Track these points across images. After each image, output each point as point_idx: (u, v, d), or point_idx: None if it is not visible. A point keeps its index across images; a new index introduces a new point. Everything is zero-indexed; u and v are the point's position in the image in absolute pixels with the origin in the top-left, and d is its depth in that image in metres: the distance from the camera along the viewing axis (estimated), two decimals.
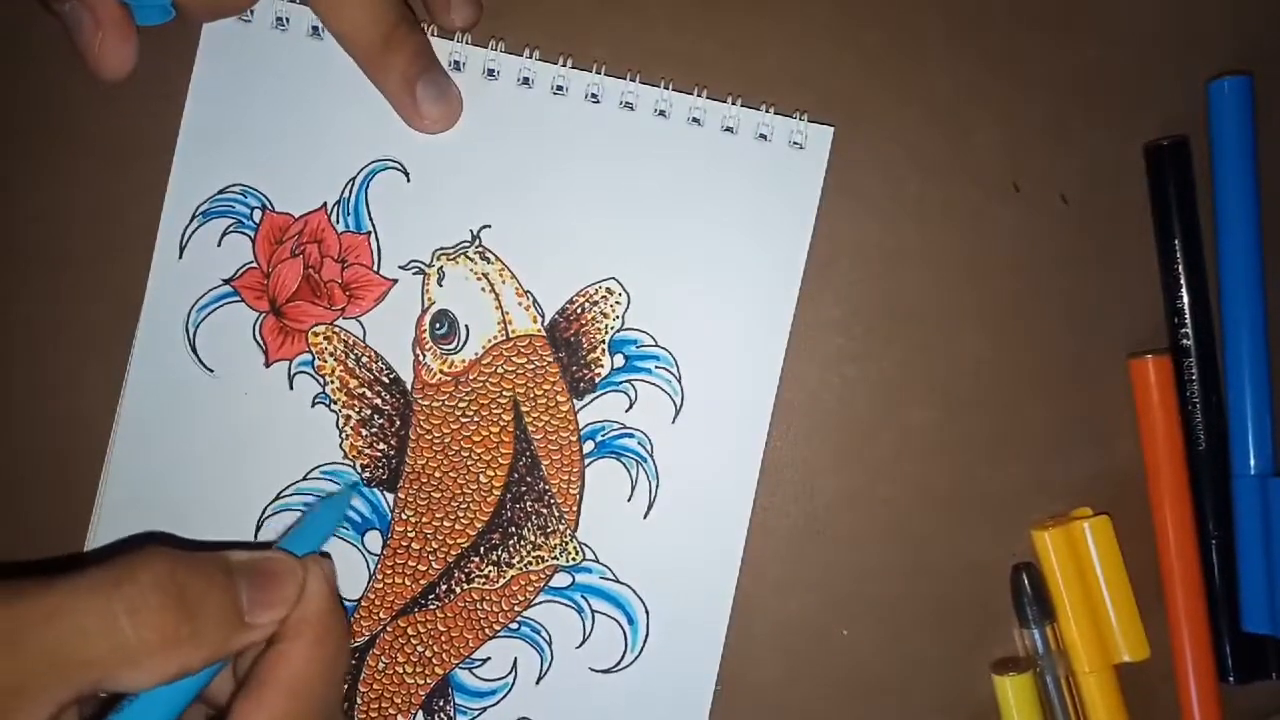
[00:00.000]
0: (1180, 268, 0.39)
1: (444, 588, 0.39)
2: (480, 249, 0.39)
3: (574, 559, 0.39)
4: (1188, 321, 0.39)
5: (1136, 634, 0.39)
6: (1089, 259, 0.40)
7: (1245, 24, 0.40)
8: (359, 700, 0.39)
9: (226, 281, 0.39)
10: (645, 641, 0.39)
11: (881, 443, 0.40)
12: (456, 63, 0.39)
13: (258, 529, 0.38)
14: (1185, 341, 0.39)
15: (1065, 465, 0.40)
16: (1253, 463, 0.38)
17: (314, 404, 0.39)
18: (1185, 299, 0.39)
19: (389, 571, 0.39)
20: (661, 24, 0.40)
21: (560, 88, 0.39)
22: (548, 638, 0.39)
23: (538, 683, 0.39)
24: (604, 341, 0.39)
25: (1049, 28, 0.40)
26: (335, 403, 0.39)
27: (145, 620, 0.28)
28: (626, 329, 0.39)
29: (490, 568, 0.39)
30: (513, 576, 0.39)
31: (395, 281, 0.39)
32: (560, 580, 0.39)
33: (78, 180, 0.39)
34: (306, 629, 0.31)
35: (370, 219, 0.39)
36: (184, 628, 0.28)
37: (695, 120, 0.39)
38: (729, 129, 0.39)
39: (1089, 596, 0.39)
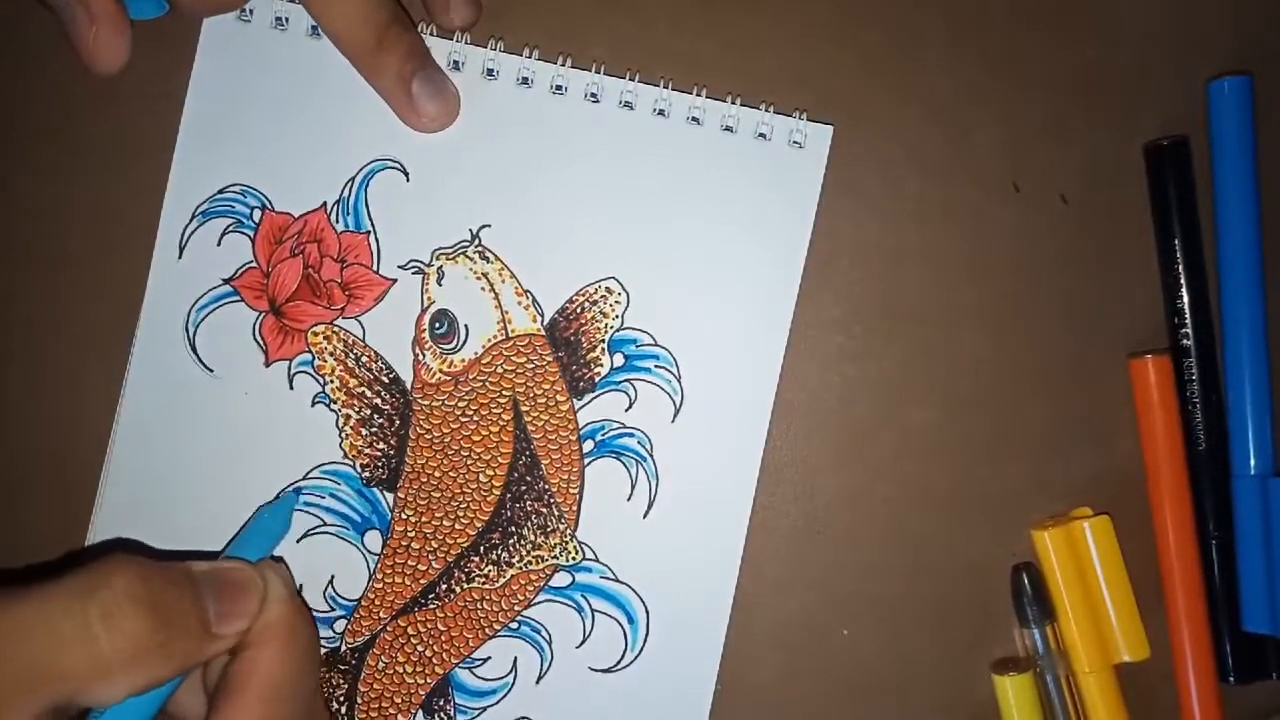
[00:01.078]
0: (1180, 268, 0.39)
1: (444, 587, 0.39)
2: (480, 248, 0.39)
3: (574, 558, 0.39)
4: (1188, 321, 0.39)
5: (1136, 634, 0.39)
6: (1089, 259, 0.40)
7: (1245, 24, 0.40)
8: (359, 700, 0.39)
9: (226, 281, 0.39)
10: (645, 641, 0.39)
11: (881, 443, 0.40)
12: (456, 63, 0.39)
13: None
14: (1185, 341, 0.39)
15: (1065, 465, 0.40)
16: (1253, 463, 0.38)
17: (314, 404, 0.39)
18: (1185, 299, 0.39)
19: (389, 571, 0.39)
20: (661, 24, 0.40)
21: (559, 87, 0.39)
22: (548, 637, 0.39)
23: (538, 682, 0.39)
24: (603, 341, 0.39)
25: (1049, 28, 0.40)
26: (335, 402, 0.39)
27: (118, 627, 0.28)
28: (626, 328, 0.39)
29: (490, 567, 0.39)
30: (513, 576, 0.39)
31: (395, 281, 0.39)
32: (560, 580, 0.39)
33: (78, 180, 0.39)
34: (271, 635, 0.32)
35: (370, 218, 0.39)
36: (156, 637, 0.28)
37: (695, 120, 0.39)
38: (728, 128, 0.39)
39: (1089, 596, 0.39)
